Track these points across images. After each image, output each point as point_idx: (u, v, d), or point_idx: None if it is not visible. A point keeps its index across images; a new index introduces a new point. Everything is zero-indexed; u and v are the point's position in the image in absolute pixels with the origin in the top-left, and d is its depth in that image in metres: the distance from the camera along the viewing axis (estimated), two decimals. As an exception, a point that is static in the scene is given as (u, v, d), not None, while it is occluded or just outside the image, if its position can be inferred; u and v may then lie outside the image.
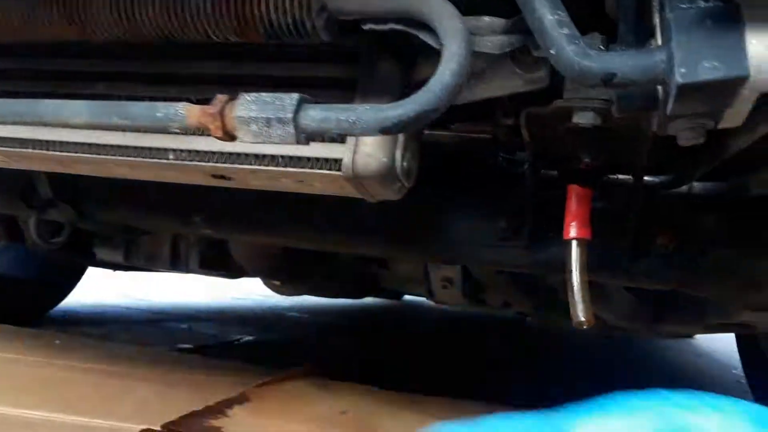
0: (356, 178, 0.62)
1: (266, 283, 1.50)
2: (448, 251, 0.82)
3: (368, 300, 4.22)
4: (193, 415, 1.08)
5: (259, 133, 0.54)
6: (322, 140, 0.64)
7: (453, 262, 0.84)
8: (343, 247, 0.87)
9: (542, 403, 0.58)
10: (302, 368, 1.52)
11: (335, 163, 0.63)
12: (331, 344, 2.35)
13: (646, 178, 0.88)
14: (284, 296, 3.60)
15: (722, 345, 2.37)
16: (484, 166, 0.84)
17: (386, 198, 0.68)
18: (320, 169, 0.64)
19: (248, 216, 0.89)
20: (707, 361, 2.80)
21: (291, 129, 0.53)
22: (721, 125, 0.51)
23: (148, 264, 1.46)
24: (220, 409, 1.20)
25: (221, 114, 0.54)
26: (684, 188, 0.89)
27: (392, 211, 0.83)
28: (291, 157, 0.64)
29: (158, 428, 0.95)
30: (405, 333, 2.92)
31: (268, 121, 0.53)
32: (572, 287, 0.68)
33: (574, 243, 0.70)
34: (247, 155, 0.65)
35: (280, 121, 0.53)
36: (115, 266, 1.57)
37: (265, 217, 0.87)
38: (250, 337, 2.22)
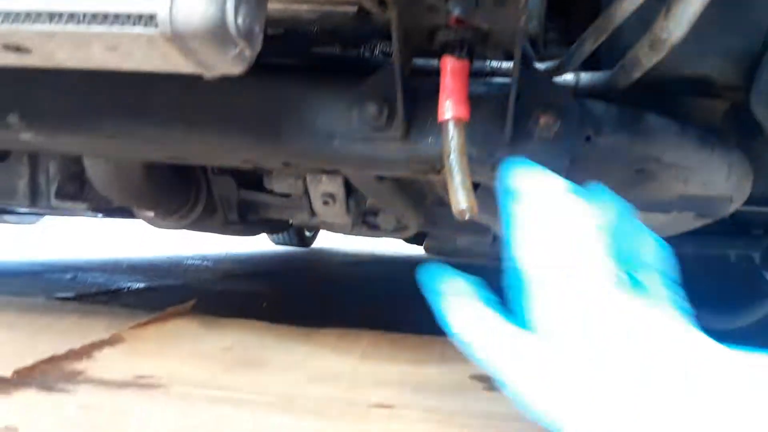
0: (178, 37, 0.51)
1: (142, 218, 1.37)
2: (315, 146, 0.72)
3: (278, 249, 4.09)
4: (53, 359, 0.97)
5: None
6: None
7: (322, 160, 0.75)
8: (192, 146, 0.76)
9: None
10: (186, 306, 1.41)
11: (150, 20, 0.51)
12: (230, 289, 2.22)
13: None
14: (189, 249, 3.44)
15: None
16: (348, 51, 0.74)
17: (226, 70, 0.57)
18: (133, 25, 0.52)
19: (74, 112, 0.74)
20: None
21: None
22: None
23: (4, 199, 1.30)
24: (86, 352, 1.09)
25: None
26: (571, 79, 0.83)
27: (244, 99, 0.72)
28: (95, 14, 0.52)
29: (9, 375, 0.85)
30: (312, 280, 2.83)
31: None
32: (451, 171, 0.60)
33: (450, 123, 0.62)
34: (39, 14, 0.53)
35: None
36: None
37: (92, 111, 0.73)
38: (141, 285, 2.06)
